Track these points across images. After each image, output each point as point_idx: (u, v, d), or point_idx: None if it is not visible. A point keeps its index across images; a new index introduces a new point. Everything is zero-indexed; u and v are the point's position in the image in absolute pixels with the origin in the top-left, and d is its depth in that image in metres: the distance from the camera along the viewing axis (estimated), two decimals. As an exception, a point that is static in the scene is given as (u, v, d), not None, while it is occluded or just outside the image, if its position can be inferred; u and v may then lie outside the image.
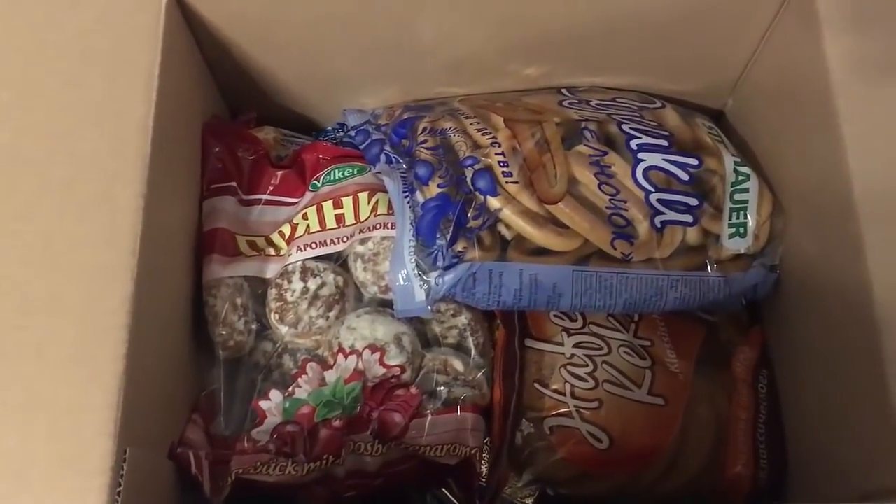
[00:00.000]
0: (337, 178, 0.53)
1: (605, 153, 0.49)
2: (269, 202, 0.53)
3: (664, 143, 0.50)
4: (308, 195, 0.53)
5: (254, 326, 0.50)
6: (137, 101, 0.43)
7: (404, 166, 0.51)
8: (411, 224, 0.48)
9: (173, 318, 0.47)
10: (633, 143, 0.49)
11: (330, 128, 0.61)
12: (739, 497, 0.49)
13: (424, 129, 0.51)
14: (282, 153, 0.58)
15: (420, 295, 0.47)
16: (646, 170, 0.49)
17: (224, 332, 0.49)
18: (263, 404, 0.47)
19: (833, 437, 0.46)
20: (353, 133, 0.56)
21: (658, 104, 0.55)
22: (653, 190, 0.48)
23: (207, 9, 0.48)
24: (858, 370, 0.42)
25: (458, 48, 0.53)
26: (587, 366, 0.49)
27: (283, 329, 0.50)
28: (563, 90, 0.55)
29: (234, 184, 0.52)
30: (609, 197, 0.48)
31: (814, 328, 0.48)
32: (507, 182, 0.48)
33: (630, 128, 0.50)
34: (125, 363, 0.38)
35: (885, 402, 0.39)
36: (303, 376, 0.48)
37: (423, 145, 0.50)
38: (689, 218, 0.49)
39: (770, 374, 0.52)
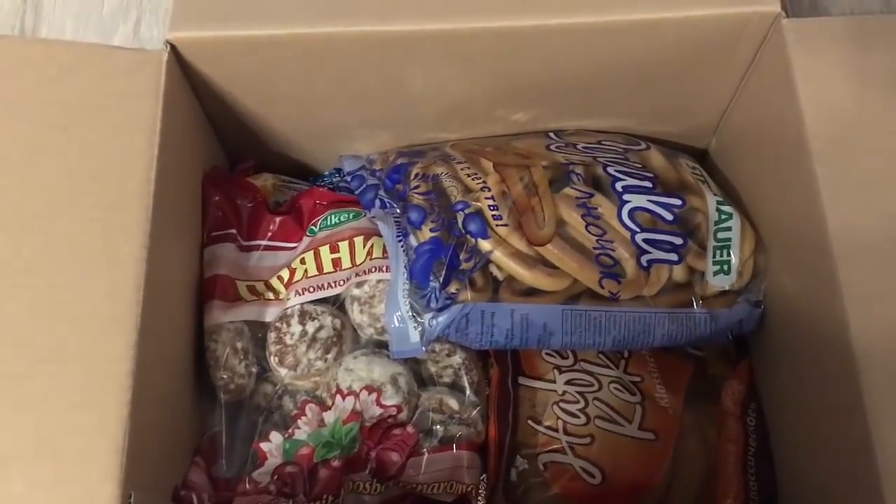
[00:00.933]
0: (333, 223, 0.55)
1: (592, 195, 0.51)
2: (267, 248, 0.55)
3: (648, 184, 0.52)
4: (306, 240, 0.55)
5: (254, 369, 0.52)
6: (139, 156, 0.45)
7: (398, 211, 0.52)
8: (405, 267, 0.50)
9: (176, 363, 0.48)
10: (619, 185, 0.51)
11: (327, 173, 0.63)
12: (731, 529, 0.50)
13: (417, 174, 0.53)
14: (280, 199, 0.59)
15: (415, 336, 0.49)
16: (631, 211, 0.50)
17: (225, 376, 0.50)
18: (264, 446, 0.49)
19: (818, 468, 0.47)
20: (349, 178, 0.58)
21: (643, 146, 0.56)
22: (638, 230, 0.50)
23: (207, 67, 0.50)
24: (839, 402, 0.43)
25: (447, 97, 0.55)
26: (579, 402, 0.50)
27: (283, 371, 0.51)
28: (551, 134, 0.57)
29: (233, 231, 0.53)
30: (596, 237, 0.50)
31: (797, 361, 0.49)
32: (497, 225, 0.49)
33: (615, 170, 0.52)
34: (129, 409, 0.40)
35: (865, 434, 0.40)
36: (302, 417, 0.49)
37: (415, 190, 0.52)
38: (674, 256, 0.50)
39: (758, 406, 0.53)
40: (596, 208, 0.51)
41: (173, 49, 0.48)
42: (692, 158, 0.58)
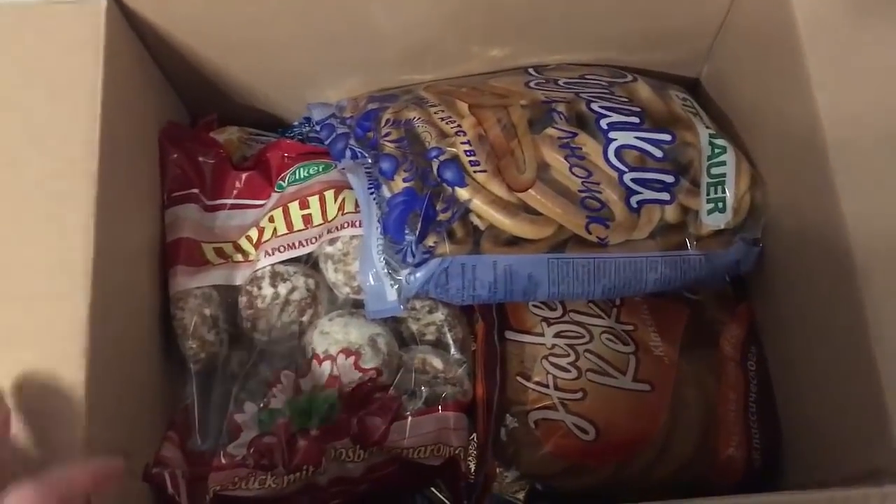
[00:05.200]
0: (302, 176, 0.51)
1: (575, 134, 0.47)
2: (234, 206, 0.52)
3: (635, 119, 0.48)
4: (274, 196, 0.52)
5: (225, 336, 0.49)
6: (81, 117, 0.41)
7: (369, 161, 0.49)
8: (378, 221, 0.47)
9: (138, 336, 0.46)
10: (604, 122, 0.48)
11: (296, 123, 0.59)
12: (734, 479, 0.48)
13: (388, 120, 0.50)
14: (247, 153, 0.56)
15: (392, 294, 0.46)
16: (618, 149, 0.47)
17: (194, 346, 0.47)
18: (239, 417, 0.46)
19: (825, 414, 0.44)
20: (318, 128, 0.54)
21: (629, 77, 0.53)
22: (626, 169, 0.47)
23: (153, 15, 0.46)
24: (845, 344, 0.41)
25: (417, 35, 0.51)
26: (569, 355, 0.48)
27: (256, 336, 0.48)
28: (530, 70, 0.53)
29: (195, 190, 0.50)
30: (581, 180, 0.46)
31: (799, 301, 0.46)
32: (475, 171, 0.46)
33: (600, 106, 0.48)
34: (86, 389, 0.37)
35: (872, 379, 0.38)
36: (277, 386, 0.47)
37: (386, 138, 0.49)
38: (665, 196, 0.47)
39: (759, 350, 0.50)
40: (580, 148, 0.47)
41: (112, -4, 0.44)
42: (682, 89, 0.54)
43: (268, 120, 0.59)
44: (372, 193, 0.48)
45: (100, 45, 0.43)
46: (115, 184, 0.42)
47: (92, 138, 0.41)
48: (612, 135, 0.47)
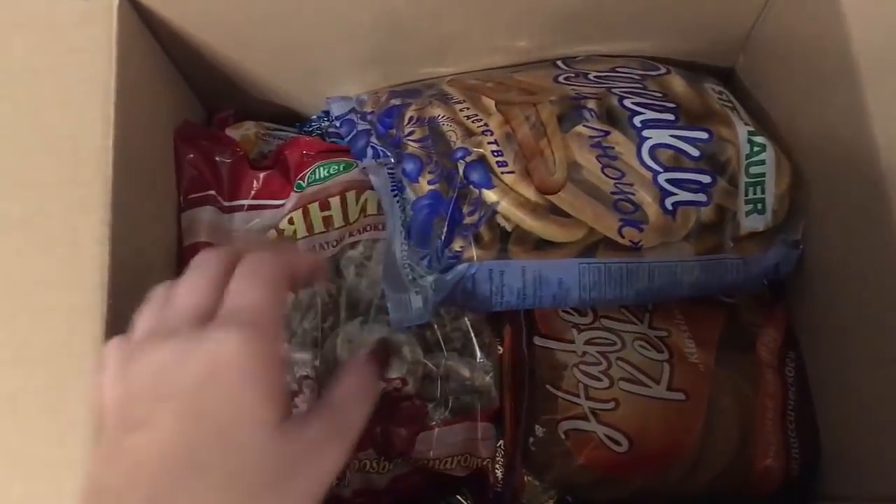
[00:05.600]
0: (323, 176, 0.50)
1: (608, 133, 0.45)
2: (252, 207, 0.50)
3: (670, 116, 0.46)
4: (294, 196, 0.50)
5: (245, 343, 0.48)
6: (94, 121, 0.40)
7: (392, 161, 0.47)
8: (402, 226, 0.45)
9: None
10: (637, 120, 0.45)
11: (314, 117, 0.57)
12: (770, 489, 0.46)
13: (411, 118, 0.48)
14: (265, 149, 0.54)
15: (417, 302, 0.44)
16: (652, 148, 0.45)
17: (213, 354, 0.46)
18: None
19: (867, 422, 0.42)
20: (337, 123, 0.53)
21: (662, 70, 0.50)
22: (661, 170, 0.44)
23: (167, 11, 0.44)
24: (891, 353, 0.39)
25: (441, 26, 0.49)
26: (600, 364, 0.46)
27: (277, 344, 0.47)
28: (559, 62, 0.51)
29: (212, 192, 0.49)
30: (614, 181, 0.44)
31: (841, 305, 0.44)
32: (502, 172, 0.44)
33: (633, 103, 0.46)
34: None
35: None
36: (300, 395, 0.45)
37: (410, 137, 0.47)
38: (702, 197, 0.45)
39: (797, 355, 0.48)
40: (612, 147, 0.45)
41: (125, -8, 0.42)
42: (718, 82, 0.51)
43: (286, 114, 0.57)
44: (395, 196, 0.46)
45: (112, 43, 0.41)
46: (131, 188, 0.41)
47: (105, 142, 0.39)
48: (645, 133, 0.45)
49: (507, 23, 0.49)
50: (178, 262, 0.47)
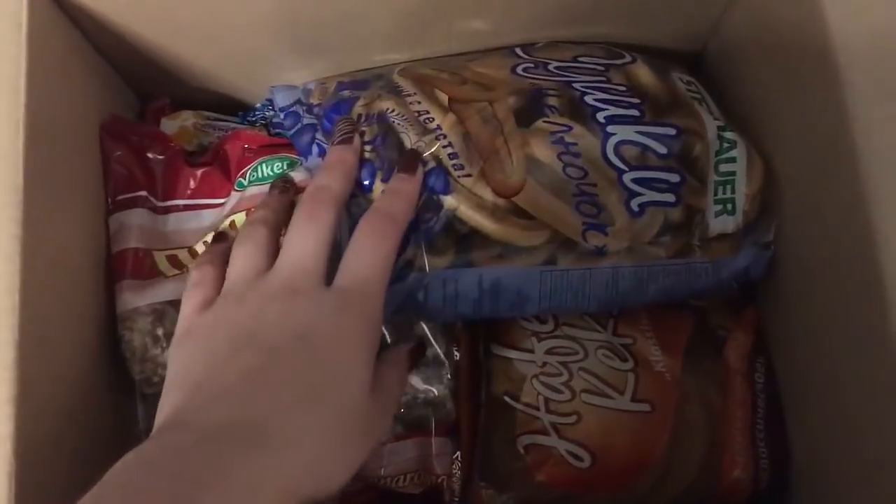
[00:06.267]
0: (266, 175, 0.46)
1: (570, 128, 0.42)
2: (188, 207, 0.46)
3: (635, 112, 0.43)
4: (234, 195, 0.46)
5: (183, 355, 0.44)
6: (2, 120, 0.36)
7: None
8: (350, 232, 0.42)
9: (80, 367, 0.41)
10: (601, 116, 0.42)
11: (259, 105, 0.53)
12: (738, 500, 0.44)
13: (360, 116, 0.44)
14: (205, 141, 0.51)
15: (365, 313, 0.41)
16: (617, 145, 0.42)
17: (146, 369, 0.43)
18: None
19: (842, 434, 0.40)
20: (281, 115, 0.49)
21: (627, 58, 0.47)
22: (626, 169, 0.42)
23: (82, -6, 0.40)
24: (866, 359, 0.37)
25: (391, 8, 0.45)
26: (561, 374, 0.43)
27: (216, 356, 0.44)
28: (518, 50, 0.48)
29: (143, 193, 0.45)
30: (576, 181, 0.41)
31: (816, 311, 0.42)
32: (459, 176, 0.41)
33: (595, 99, 0.43)
34: (15, 429, 0.33)
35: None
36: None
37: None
38: (670, 197, 0.42)
39: (767, 360, 0.46)
40: (575, 143, 0.42)
41: (35, -21, 0.38)
42: (686, 71, 0.48)
43: (228, 103, 0.53)
44: None
45: (22, 35, 0.37)
46: (46, 195, 0.37)
47: (15, 147, 0.35)
48: (610, 129, 0.42)
49: (464, 5, 0.46)
50: (108, 272, 0.43)
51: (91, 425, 0.41)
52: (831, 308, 0.40)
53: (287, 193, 0.43)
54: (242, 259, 0.38)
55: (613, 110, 0.42)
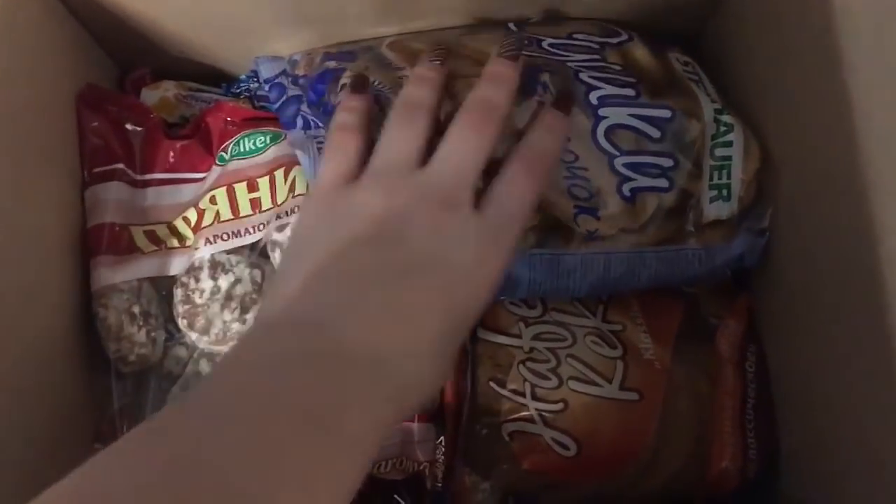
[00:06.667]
0: (248, 149, 0.45)
1: None
2: (167, 181, 0.45)
3: (631, 92, 0.42)
4: (216, 170, 0.45)
5: (161, 335, 0.43)
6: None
7: (323, 132, 0.42)
8: None
9: (54, 340, 0.39)
10: (594, 97, 0.41)
11: (243, 77, 0.52)
12: (726, 490, 0.44)
13: (343, 86, 0.43)
14: (186, 113, 0.49)
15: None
16: (608, 129, 0.41)
17: (122, 347, 0.41)
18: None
19: (830, 419, 0.40)
20: (266, 87, 0.47)
21: (624, 36, 0.46)
22: (618, 153, 0.40)
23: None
24: (862, 347, 0.36)
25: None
26: (549, 361, 0.42)
27: (194, 336, 0.42)
28: (511, 25, 0.46)
29: (120, 165, 0.43)
30: (567, 164, 0.40)
31: (808, 296, 0.41)
32: None
33: (590, 76, 0.42)
34: None
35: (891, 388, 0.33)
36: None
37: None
38: (664, 182, 0.41)
39: (758, 349, 0.45)
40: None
41: (7, -61, 0.36)
42: (683, 51, 0.47)
43: (211, 73, 0.52)
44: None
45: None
46: (18, 163, 0.36)
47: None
48: (602, 112, 0.41)
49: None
50: (84, 246, 0.42)
51: (65, 406, 0.40)
52: (827, 296, 0.39)
53: (445, 64, 0.40)
54: (399, 143, 0.36)
55: (608, 89, 0.41)
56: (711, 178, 0.42)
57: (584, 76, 0.41)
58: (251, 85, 0.51)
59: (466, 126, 0.36)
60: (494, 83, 0.37)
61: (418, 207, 0.33)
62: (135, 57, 0.49)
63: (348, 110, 0.38)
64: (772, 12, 0.42)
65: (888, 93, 0.34)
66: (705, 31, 0.51)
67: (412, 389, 0.31)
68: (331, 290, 0.32)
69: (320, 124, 0.43)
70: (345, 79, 0.43)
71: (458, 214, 0.34)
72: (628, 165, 0.40)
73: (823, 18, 0.36)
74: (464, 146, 0.35)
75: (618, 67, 0.43)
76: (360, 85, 0.40)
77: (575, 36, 0.45)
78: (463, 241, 0.33)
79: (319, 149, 0.42)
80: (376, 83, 0.42)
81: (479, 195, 0.35)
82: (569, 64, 0.42)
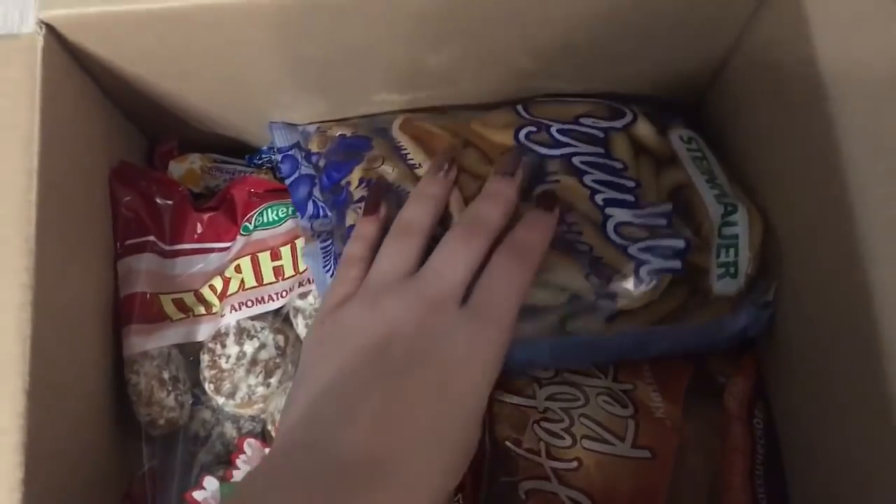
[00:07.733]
0: (271, 220, 0.47)
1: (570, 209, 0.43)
2: (195, 251, 0.47)
3: (630, 198, 0.43)
4: (240, 240, 0.47)
5: (188, 398, 0.45)
6: (15, 165, 0.37)
7: (330, 226, 0.44)
8: None
9: (87, 411, 0.41)
10: (599, 199, 0.43)
11: (265, 148, 0.54)
12: (737, 548, 0.45)
13: (360, 181, 0.45)
14: (212, 184, 0.51)
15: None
16: (617, 226, 0.42)
17: (152, 412, 0.43)
18: (198, 495, 0.42)
19: (837, 477, 0.41)
20: (279, 157, 0.49)
21: (629, 117, 0.47)
22: (630, 243, 0.42)
23: (97, 47, 0.41)
24: (862, 408, 0.37)
25: (394, 51, 0.45)
26: (563, 420, 0.44)
27: (221, 400, 0.44)
28: (519, 108, 0.47)
29: (151, 238, 0.46)
30: (586, 254, 0.42)
31: (814, 356, 0.42)
32: None
33: (593, 180, 0.43)
34: (24, 474, 0.33)
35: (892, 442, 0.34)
36: (241, 456, 0.43)
37: (359, 205, 0.44)
38: (676, 263, 0.42)
39: (766, 407, 0.47)
40: (577, 223, 0.42)
41: (50, 30, 0.39)
42: (687, 127, 0.49)
43: (234, 145, 0.54)
44: (329, 272, 0.43)
45: (36, 84, 0.38)
46: (59, 239, 0.38)
47: (28, 197, 0.36)
48: (608, 211, 0.42)
49: (467, 58, 0.46)
50: (115, 316, 0.44)
51: (97, 469, 0.41)
52: (829, 358, 0.41)
53: (452, 170, 0.42)
54: (393, 258, 0.38)
55: (609, 193, 0.43)
56: (719, 256, 0.43)
57: (587, 179, 0.43)
58: (272, 156, 0.53)
59: (458, 238, 0.38)
60: (492, 200, 0.40)
61: (406, 311, 0.36)
62: (162, 130, 0.51)
63: (359, 239, 0.41)
64: (767, 89, 0.45)
65: (879, 164, 0.36)
66: (705, 102, 0.53)
67: (419, 483, 0.32)
68: (327, 408, 0.33)
69: (329, 213, 0.45)
70: (363, 173, 0.45)
71: (445, 312, 0.36)
72: (643, 249, 0.42)
73: (818, 92, 0.38)
74: (452, 256, 0.37)
75: (619, 166, 0.44)
76: (373, 207, 0.42)
77: (582, 121, 0.46)
78: (451, 336, 0.35)
79: (325, 253, 0.44)
80: (394, 183, 0.44)
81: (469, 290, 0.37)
82: (573, 160, 0.44)
